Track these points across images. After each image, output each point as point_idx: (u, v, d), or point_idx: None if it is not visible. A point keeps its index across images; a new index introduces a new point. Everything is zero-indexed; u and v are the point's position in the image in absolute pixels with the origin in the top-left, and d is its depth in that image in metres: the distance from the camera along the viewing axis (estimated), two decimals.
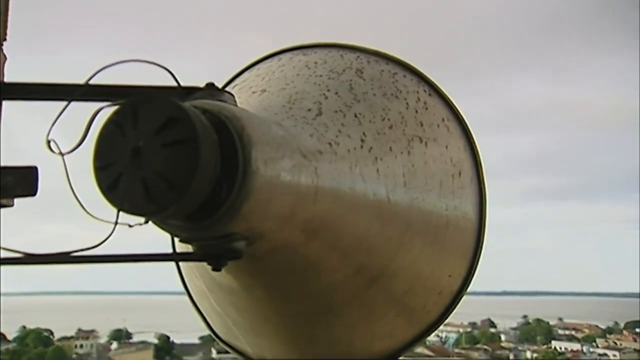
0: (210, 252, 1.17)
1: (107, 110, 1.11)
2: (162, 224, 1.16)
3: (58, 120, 1.16)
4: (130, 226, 1.10)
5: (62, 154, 1.13)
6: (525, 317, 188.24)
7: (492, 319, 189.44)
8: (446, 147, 1.66)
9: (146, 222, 1.12)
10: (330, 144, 1.37)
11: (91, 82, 1.17)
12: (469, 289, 1.75)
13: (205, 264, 1.23)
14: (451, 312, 1.72)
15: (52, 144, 1.13)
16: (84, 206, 1.12)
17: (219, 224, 1.12)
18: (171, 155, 1.03)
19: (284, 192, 1.19)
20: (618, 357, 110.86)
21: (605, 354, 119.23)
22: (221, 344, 1.86)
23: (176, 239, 1.23)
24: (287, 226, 1.25)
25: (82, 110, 1.19)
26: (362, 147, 1.44)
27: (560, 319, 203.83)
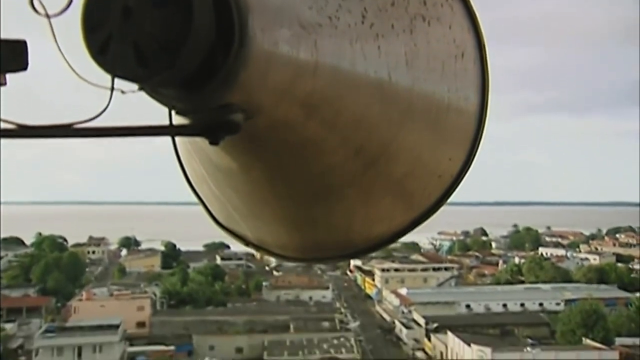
0: (207, 124, 1.12)
1: None
2: (157, 94, 1.11)
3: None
4: (122, 92, 1.06)
5: (48, 17, 1.06)
6: (515, 226, 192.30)
7: (485, 227, 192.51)
8: (449, 27, 1.57)
9: (140, 89, 1.07)
10: (330, 17, 1.29)
11: None
12: (464, 180, 1.72)
13: (203, 144, 1.20)
14: (450, 196, 1.68)
15: (35, 3, 1.05)
16: (76, 70, 1.06)
17: (216, 93, 1.08)
18: (163, 15, 0.98)
19: (282, 63, 1.14)
20: (598, 261, 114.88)
21: (587, 258, 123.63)
22: (221, 229, 1.82)
23: (174, 116, 1.19)
24: (286, 101, 1.20)
25: None
26: (363, 22, 1.36)
27: (548, 227, 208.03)
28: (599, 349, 53.74)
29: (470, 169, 1.67)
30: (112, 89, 1.02)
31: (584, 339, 56.64)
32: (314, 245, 1.69)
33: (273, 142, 1.28)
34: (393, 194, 1.57)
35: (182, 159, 1.69)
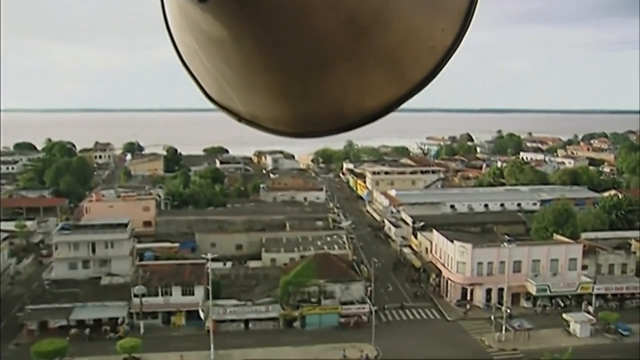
0: None
1: None
2: None
3: None
4: None
5: None
6: (499, 132, 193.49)
7: (471, 133, 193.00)
8: None
9: None
10: None
11: None
12: (456, 52, 1.65)
13: (194, 13, 1.19)
14: (442, 68, 1.62)
15: None
16: None
17: None
18: None
19: None
20: (573, 164, 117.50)
21: (563, 162, 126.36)
22: (213, 104, 1.79)
23: None
24: None
25: None
26: None
27: (530, 134, 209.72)
28: (567, 242, 56.35)
29: (463, 41, 1.60)
30: None
31: (554, 234, 59.21)
32: (307, 119, 1.63)
33: (264, 7, 1.26)
34: (385, 64, 1.51)
35: (173, 33, 1.65)
